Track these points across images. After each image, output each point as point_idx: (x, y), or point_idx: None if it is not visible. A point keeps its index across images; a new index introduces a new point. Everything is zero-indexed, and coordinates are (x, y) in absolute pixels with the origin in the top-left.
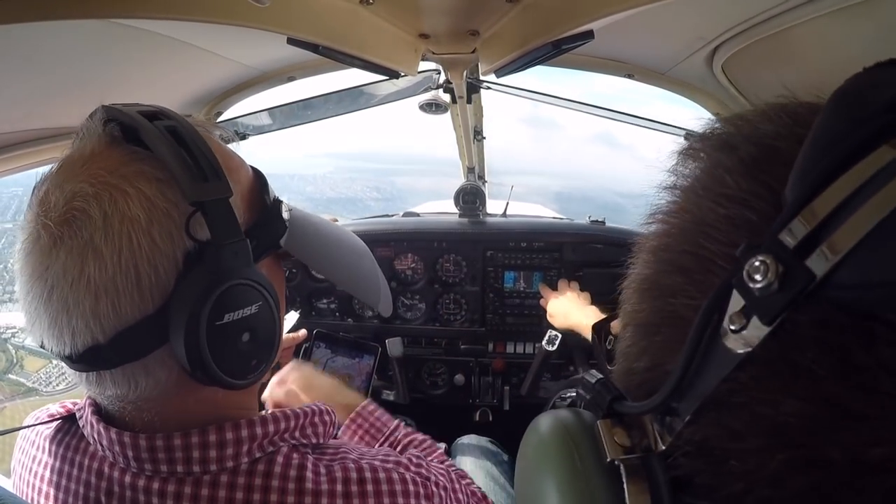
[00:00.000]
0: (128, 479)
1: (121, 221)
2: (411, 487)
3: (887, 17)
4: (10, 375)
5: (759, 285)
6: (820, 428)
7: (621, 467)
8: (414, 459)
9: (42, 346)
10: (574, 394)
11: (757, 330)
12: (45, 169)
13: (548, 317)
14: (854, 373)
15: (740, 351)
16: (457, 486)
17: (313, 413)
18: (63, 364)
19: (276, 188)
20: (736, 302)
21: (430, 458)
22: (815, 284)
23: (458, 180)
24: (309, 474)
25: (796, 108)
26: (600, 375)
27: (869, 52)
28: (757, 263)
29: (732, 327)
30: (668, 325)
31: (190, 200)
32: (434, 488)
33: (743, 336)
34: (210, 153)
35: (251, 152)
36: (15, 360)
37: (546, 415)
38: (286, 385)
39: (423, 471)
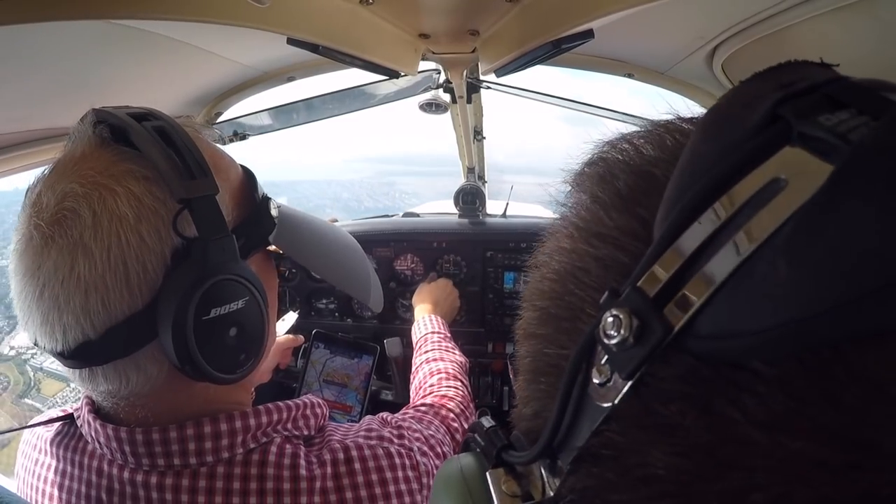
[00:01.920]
0: (126, 475)
1: (109, 220)
2: (397, 461)
3: (887, 17)
4: (27, 400)
5: (614, 341)
6: (694, 479)
7: None
8: (395, 431)
9: (35, 344)
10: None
11: (619, 384)
12: (36, 172)
13: None
14: (721, 424)
15: (605, 405)
16: (438, 444)
17: (305, 406)
18: (77, 385)
19: (313, 194)
20: (600, 354)
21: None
22: (671, 337)
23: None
24: (302, 462)
25: (682, 125)
26: (493, 423)
27: (869, 51)
28: (610, 319)
29: (597, 381)
30: (546, 374)
31: (177, 198)
32: (418, 458)
33: (608, 388)
34: (197, 151)
35: (287, 159)
36: (32, 383)
37: (452, 458)
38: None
39: (406, 441)
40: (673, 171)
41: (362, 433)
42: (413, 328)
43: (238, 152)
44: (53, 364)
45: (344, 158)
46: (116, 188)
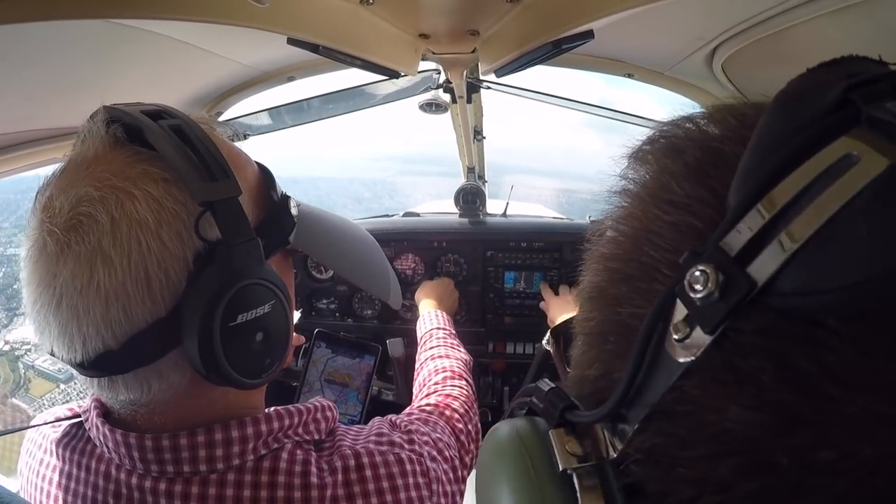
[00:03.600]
0: (135, 480)
1: (129, 225)
2: (408, 467)
3: (887, 17)
4: (13, 400)
5: (699, 295)
6: (766, 434)
7: (574, 476)
8: (405, 436)
9: (52, 354)
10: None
11: (700, 339)
12: (45, 169)
13: (549, 322)
14: (797, 379)
15: (684, 360)
16: (445, 447)
17: (315, 409)
18: (67, 387)
19: (333, 191)
20: (679, 311)
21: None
22: (756, 292)
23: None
24: (313, 469)
25: (743, 108)
26: (552, 384)
27: (869, 51)
28: (697, 273)
29: (676, 336)
30: (616, 335)
31: (199, 200)
32: (429, 463)
33: (686, 345)
34: (217, 151)
35: (310, 154)
36: (22, 382)
37: (503, 423)
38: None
39: (417, 447)
40: (740, 149)
41: (373, 438)
42: (419, 322)
43: (260, 144)
44: (46, 362)
45: (366, 156)
46: (134, 191)
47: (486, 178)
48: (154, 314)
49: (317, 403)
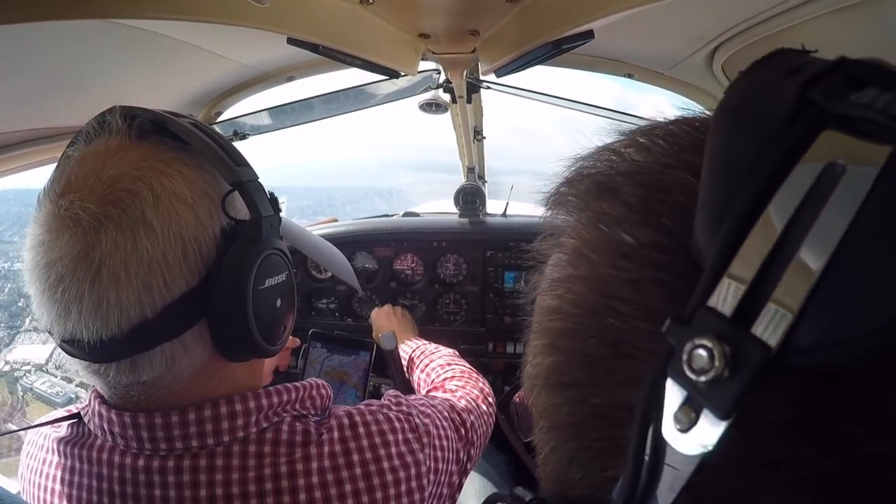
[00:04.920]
0: (141, 462)
1: (169, 198)
2: (396, 424)
3: (887, 17)
4: (10, 425)
5: (706, 377)
6: None
7: None
8: (393, 400)
9: (68, 341)
10: None
11: (712, 425)
12: (45, 169)
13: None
14: (837, 446)
15: (695, 453)
16: (440, 413)
17: (311, 387)
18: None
19: (347, 200)
20: (675, 393)
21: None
22: (771, 357)
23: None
24: (313, 437)
25: (667, 127)
26: (533, 495)
27: (869, 52)
28: (702, 351)
29: (679, 427)
30: (595, 428)
31: (230, 181)
32: (417, 420)
33: (695, 435)
34: (230, 144)
35: (327, 158)
36: (19, 406)
37: None
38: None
39: (404, 407)
40: (684, 176)
41: (362, 405)
42: (394, 353)
43: (267, 150)
44: (44, 384)
45: (380, 164)
46: (170, 171)
47: (485, 178)
48: (189, 283)
49: (312, 382)
